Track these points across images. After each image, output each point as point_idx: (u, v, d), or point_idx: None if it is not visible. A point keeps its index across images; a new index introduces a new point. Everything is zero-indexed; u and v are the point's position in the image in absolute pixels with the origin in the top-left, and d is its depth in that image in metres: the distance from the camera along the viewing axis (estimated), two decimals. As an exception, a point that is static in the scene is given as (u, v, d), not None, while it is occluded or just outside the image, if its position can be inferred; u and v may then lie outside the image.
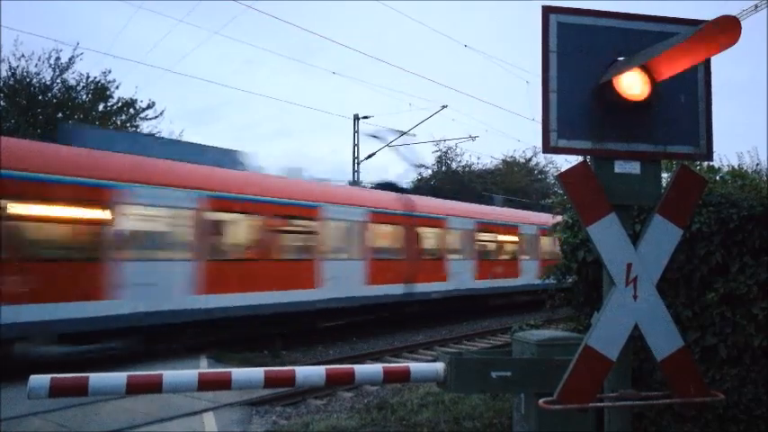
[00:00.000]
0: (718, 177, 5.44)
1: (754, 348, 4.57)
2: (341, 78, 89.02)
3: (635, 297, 2.95)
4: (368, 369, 3.90)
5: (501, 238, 21.64)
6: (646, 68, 3.03)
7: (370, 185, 20.98)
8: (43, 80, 22.72)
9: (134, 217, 11.38)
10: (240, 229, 13.46)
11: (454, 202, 20.91)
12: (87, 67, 32.58)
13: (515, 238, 22.37)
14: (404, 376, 3.83)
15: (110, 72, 24.13)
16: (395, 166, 75.36)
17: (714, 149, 3.32)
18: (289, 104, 69.23)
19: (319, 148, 77.08)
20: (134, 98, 25.30)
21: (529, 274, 21.69)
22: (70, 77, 23.31)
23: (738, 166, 6.13)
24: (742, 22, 2.60)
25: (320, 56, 60.53)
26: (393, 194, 18.06)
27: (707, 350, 4.75)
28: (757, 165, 6.74)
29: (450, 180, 34.12)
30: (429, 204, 18.91)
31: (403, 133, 25.42)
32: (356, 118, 26.43)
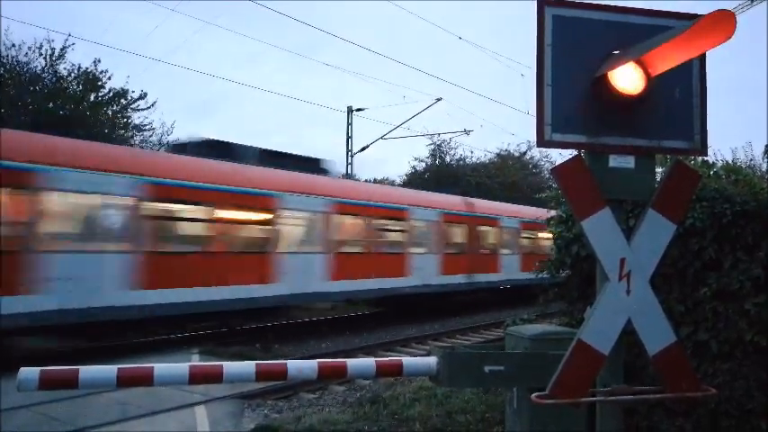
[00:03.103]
0: (712, 172, 5.44)
1: (745, 343, 4.58)
2: (338, 73, 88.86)
3: (628, 292, 2.94)
4: (360, 363, 3.89)
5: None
6: (641, 63, 3.02)
7: None
8: (34, 70, 22.52)
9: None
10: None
11: None
12: (81, 58, 32.33)
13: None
14: (396, 370, 3.82)
15: (100, 62, 23.92)
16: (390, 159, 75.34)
17: (708, 144, 3.31)
18: (287, 98, 68.91)
19: (316, 142, 77.00)
20: (125, 88, 25.09)
21: None
22: (62, 68, 23.12)
23: (732, 161, 6.16)
24: (738, 17, 2.59)
25: (318, 50, 60.34)
26: None
27: (699, 345, 4.76)
28: (751, 160, 6.77)
29: (443, 173, 34.09)
30: None
31: (397, 126, 25.40)
32: (350, 110, 26.35)
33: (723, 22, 2.53)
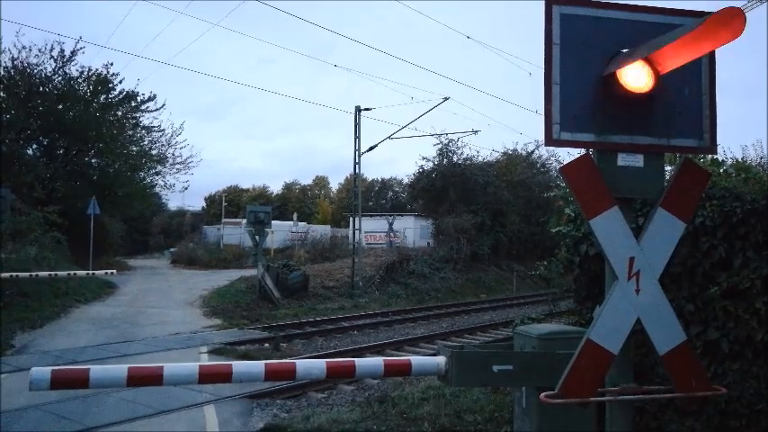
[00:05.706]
0: (721, 170, 5.41)
1: (756, 343, 4.56)
2: (346, 73, 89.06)
3: (637, 291, 2.93)
4: (369, 362, 3.89)
5: None
6: (649, 61, 3.00)
7: None
8: (44, 72, 22.67)
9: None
10: None
11: None
12: (91, 60, 32.48)
13: None
14: (405, 370, 3.81)
15: (112, 65, 24.08)
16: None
17: (718, 142, 3.29)
18: (294, 100, 69.29)
19: (325, 144, 77.27)
20: (135, 90, 25.24)
21: None
22: (73, 69, 23.27)
23: (742, 158, 6.11)
24: (747, 14, 2.57)
25: (327, 52, 60.41)
26: None
27: (709, 344, 4.74)
28: (761, 158, 6.71)
29: (451, 172, 34.00)
30: None
31: (404, 126, 25.38)
32: (358, 110, 26.32)
33: (732, 20, 2.51)
